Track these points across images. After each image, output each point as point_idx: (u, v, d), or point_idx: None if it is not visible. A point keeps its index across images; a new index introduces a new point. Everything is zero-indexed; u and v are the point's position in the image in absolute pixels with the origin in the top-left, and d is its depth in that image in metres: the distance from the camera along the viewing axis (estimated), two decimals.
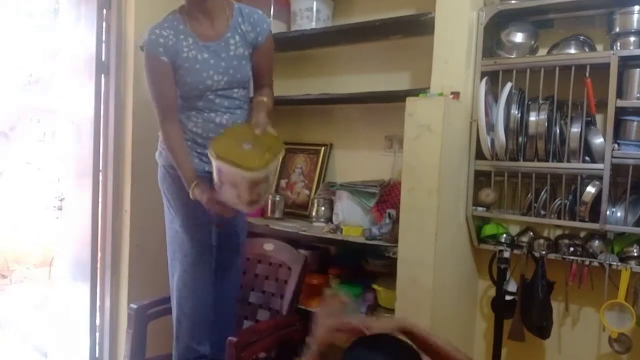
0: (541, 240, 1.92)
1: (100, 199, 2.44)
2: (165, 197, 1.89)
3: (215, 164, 1.61)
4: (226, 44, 1.78)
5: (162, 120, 1.77)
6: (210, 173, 1.75)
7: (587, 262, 1.79)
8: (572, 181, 1.82)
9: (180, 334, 1.87)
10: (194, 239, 1.83)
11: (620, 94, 1.71)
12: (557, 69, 1.79)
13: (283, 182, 2.66)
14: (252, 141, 1.63)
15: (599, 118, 1.81)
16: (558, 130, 1.80)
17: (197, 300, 1.85)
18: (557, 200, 1.85)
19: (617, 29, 1.75)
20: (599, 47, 1.87)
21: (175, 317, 1.88)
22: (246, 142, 1.62)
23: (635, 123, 1.74)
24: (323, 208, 2.36)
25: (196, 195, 1.71)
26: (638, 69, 1.71)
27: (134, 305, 2.00)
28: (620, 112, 1.72)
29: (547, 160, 1.82)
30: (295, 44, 2.42)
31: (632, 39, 1.73)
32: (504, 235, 1.99)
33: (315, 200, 2.40)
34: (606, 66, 1.68)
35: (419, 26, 2.05)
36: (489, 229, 1.99)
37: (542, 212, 1.87)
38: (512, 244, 1.96)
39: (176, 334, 1.88)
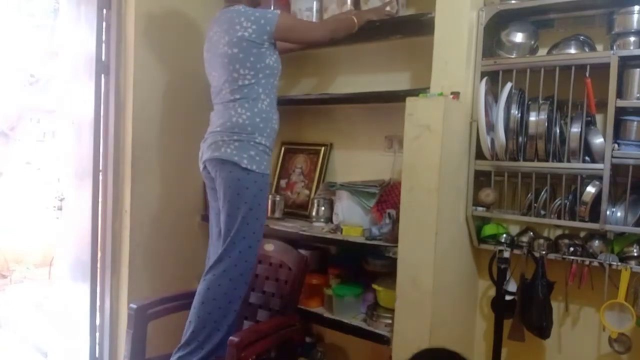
0: (541, 240, 1.91)
1: (100, 199, 2.44)
2: (249, 205, 1.86)
3: None
4: None
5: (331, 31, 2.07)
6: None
7: (587, 262, 1.78)
8: (572, 181, 1.82)
9: (220, 326, 1.86)
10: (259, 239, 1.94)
11: (620, 94, 1.71)
12: (557, 69, 1.79)
13: (283, 182, 2.66)
14: None
15: (599, 118, 1.81)
16: (558, 130, 1.79)
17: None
18: (557, 200, 1.85)
19: (617, 29, 1.75)
20: (599, 47, 1.87)
21: (222, 309, 1.87)
22: None
23: (635, 123, 1.74)
24: (323, 208, 2.36)
25: (367, 16, 2.11)
26: (638, 69, 1.71)
27: (134, 305, 2.00)
28: (620, 112, 1.72)
29: (547, 160, 1.81)
30: None
31: (632, 39, 1.73)
32: (504, 235, 1.99)
33: (315, 200, 2.40)
34: (606, 66, 1.68)
35: (419, 26, 2.05)
36: (489, 229, 1.99)
37: (542, 212, 1.87)
38: (512, 244, 1.96)
39: (216, 325, 1.85)
